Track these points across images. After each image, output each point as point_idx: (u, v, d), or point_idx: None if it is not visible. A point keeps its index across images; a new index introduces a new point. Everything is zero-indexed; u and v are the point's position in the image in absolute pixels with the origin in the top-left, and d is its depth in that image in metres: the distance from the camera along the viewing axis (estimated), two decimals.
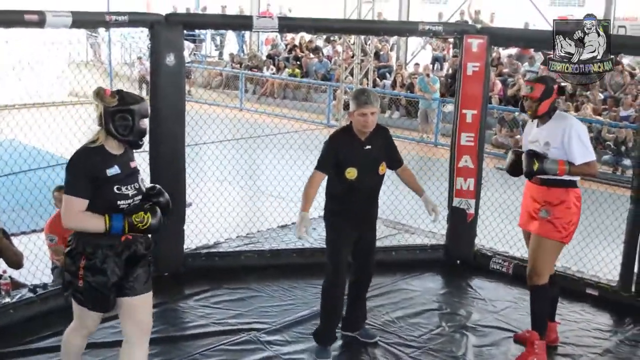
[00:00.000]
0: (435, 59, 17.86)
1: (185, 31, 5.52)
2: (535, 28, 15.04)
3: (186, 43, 16.63)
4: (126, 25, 5.17)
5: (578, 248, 6.29)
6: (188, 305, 5.20)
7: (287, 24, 6.14)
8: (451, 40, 16.10)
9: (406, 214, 7.04)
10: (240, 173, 8.57)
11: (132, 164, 3.51)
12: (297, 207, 7.33)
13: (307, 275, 5.62)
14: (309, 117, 14.98)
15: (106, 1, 18.53)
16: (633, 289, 5.40)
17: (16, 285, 5.14)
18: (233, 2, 22.41)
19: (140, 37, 17.93)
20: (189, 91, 14.89)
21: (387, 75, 17.23)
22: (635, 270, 5.40)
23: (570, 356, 4.68)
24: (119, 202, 3.35)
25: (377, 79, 16.43)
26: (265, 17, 5.94)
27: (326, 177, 4.34)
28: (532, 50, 14.72)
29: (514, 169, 4.60)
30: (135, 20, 5.20)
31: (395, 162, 4.49)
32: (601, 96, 13.73)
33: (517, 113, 13.14)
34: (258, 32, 15.15)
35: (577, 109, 12.88)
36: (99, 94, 3.37)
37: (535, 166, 4.34)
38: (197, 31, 19.76)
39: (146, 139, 3.53)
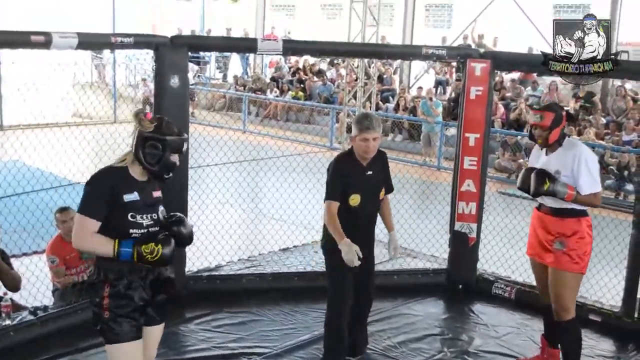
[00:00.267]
0: (438, 83, 17.93)
1: (189, 53, 5.54)
2: (538, 53, 15.07)
3: (190, 65, 16.71)
4: (131, 47, 5.18)
5: None
6: (189, 329, 5.18)
7: (292, 47, 6.16)
8: (454, 64, 16.20)
9: (407, 238, 7.02)
10: (243, 195, 8.58)
11: (155, 194, 3.37)
12: (299, 230, 7.43)
13: (309, 299, 5.60)
14: (312, 140, 15.03)
15: (112, 23, 18.69)
16: (636, 315, 5.37)
17: (17, 307, 5.13)
18: (238, 25, 22.56)
19: (145, 58, 18.00)
20: (192, 113, 14.94)
21: (390, 98, 17.29)
22: (639, 296, 5.37)
23: None
24: (131, 231, 3.23)
25: (380, 102, 16.49)
26: (269, 40, 5.97)
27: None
28: (535, 74, 14.76)
29: (527, 186, 4.44)
30: (140, 42, 5.23)
31: (387, 188, 4.44)
32: (603, 120, 13.76)
33: (519, 137, 13.20)
34: (262, 54, 15.22)
35: (579, 133, 12.89)
36: (138, 115, 3.28)
37: (546, 186, 4.26)
38: (201, 53, 19.85)
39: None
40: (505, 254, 6.77)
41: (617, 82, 14.62)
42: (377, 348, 4.94)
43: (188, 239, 3.42)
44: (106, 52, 18.80)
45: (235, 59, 22.16)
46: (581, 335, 4.52)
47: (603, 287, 6.22)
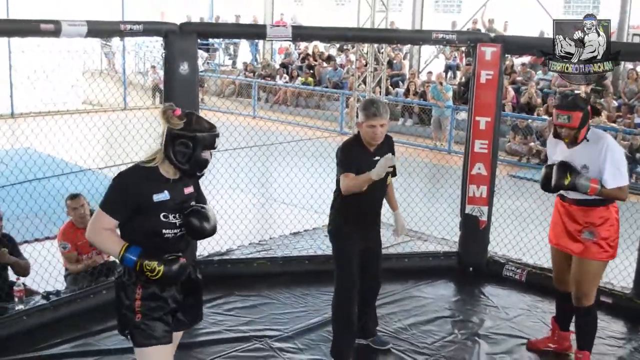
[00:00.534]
0: (448, 67, 17.86)
1: (199, 40, 5.54)
2: (549, 36, 14.98)
3: (200, 52, 16.70)
4: (140, 34, 5.19)
5: None
6: None
7: (301, 33, 6.11)
8: (464, 48, 16.14)
9: (419, 221, 7.02)
10: (253, 180, 8.59)
11: (187, 190, 3.21)
12: (309, 214, 7.44)
13: (319, 282, 5.61)
14: (321, 125, 15.02)
15: (121, 10, 18.71)
16: None
17: (29, 292, 5.18)
18: (247, 12, 22.55)
19: (155, 46, 18.04)
20: (202, 99, 14.95)
21: (400, 83, 17.24)
22: None
23: None
24: (163, 231, 3.10)
25: (390, 87, 16.44)
26: (279, 26, 5.94)
27: (334, 191, 4.30)
28: None
29: (549, 185, 4.36)
30: (149, 29, 5.22)
31: (392, 172, 4.34)
32: (615, 103, 13.68)
33: (530, 120, 13.14)
34: (272, 41, 15.18)
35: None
36: (166, 113, 3.08)
37: (567, 180, 4.17)
38: (210, 40, 19.83)
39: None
40: (517, 237, 6.77)
41: (629, 65, 14.54)
42: (387, 330, 4.95)
43: (199, 232, 3.21)
44: (115, 40, 18.83)
45: (244, 45, 22.16)
46: (597, 321, 4.50)
47: (614, 269, 6.19)
